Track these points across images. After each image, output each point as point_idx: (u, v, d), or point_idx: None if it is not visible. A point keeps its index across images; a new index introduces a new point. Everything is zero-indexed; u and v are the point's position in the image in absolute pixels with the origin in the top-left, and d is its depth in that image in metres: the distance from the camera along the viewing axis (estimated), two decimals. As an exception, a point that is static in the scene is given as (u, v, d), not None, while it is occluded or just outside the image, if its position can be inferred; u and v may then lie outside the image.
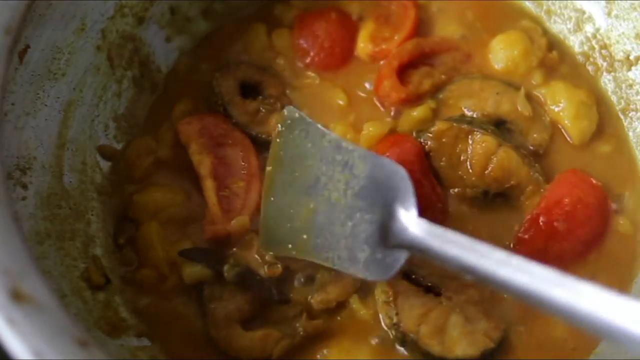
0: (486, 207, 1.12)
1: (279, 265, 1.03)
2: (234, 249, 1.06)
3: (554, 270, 0.80)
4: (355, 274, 0.96)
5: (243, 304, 1.02)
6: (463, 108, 1.18)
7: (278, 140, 1.00)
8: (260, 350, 0.99)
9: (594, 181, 1.12)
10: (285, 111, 1.02)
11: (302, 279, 1.03)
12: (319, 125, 0.98)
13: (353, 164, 0.94)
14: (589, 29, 1.24)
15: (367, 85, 1.22)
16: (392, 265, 0.92)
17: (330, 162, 0.95)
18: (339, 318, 1.03)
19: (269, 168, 1.00)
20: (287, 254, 1.00)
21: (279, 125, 1.01)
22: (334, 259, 0.95)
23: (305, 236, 0.95)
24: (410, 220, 0.90)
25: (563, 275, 0.79)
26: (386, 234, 0.90)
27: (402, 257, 0.92)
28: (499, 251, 0.83)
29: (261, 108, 1.18)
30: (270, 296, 1.02)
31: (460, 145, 1.12)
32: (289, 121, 1.00)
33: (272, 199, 0.98)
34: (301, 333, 1.00)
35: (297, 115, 0.99)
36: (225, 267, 1.02)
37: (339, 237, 0.93)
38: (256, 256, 1.04)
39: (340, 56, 1.25)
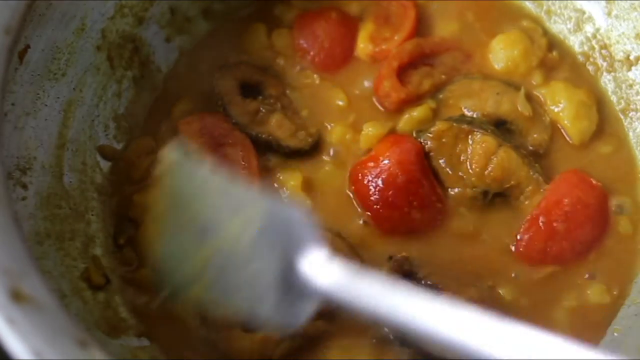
0: (486, 207, 1.12)
1: None
2: None
3: (483, 315, 0.75)
4: (261, 325, 0.90)
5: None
6: (463, 108, 1.18)
7: (165, 179, 0.90)
8: (261, 352, 0.99)
9: (593, 181, 1.12)
10: (169, 149, 0.91)
11: None
12: (207, 165, 0.89)
13: (249, 205, 0.85)
14: (589, 29, 1.24)
15: (367, 85, 1.22)
16: (299, 315, 0.84)
17: (222, 205, 0.86)
18: (339, 318, 1.03)
19: (157, 207, 0.91)
20: (186, 302, 0.93)
21: (165, 166, 0.91)
22: (237, 308, 0.87)
23: (203, 283, 0.86)
24: (314, 269, 0.82)
25: (486, 320, 0.75)
26: (291, 280, 0.82)
27: (309, 305, 0.84)
28: (421, 296, 0.76)
29: (261, 108, 1.18)
30: None
31: (460, 146, 1.12)
32: (176, 157, 0.90)
33: (166, 242, 0.89)
34: (301, 334, 1.00)
35: (184, 151, 0.90)
36: None
37: (240, 284, 0.84)
38: None
39: (340, 56, 1.25)
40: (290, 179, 1.13)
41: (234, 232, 0.85)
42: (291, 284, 0.83)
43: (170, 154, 0.91)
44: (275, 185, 1.13)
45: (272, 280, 0.83)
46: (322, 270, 0.82)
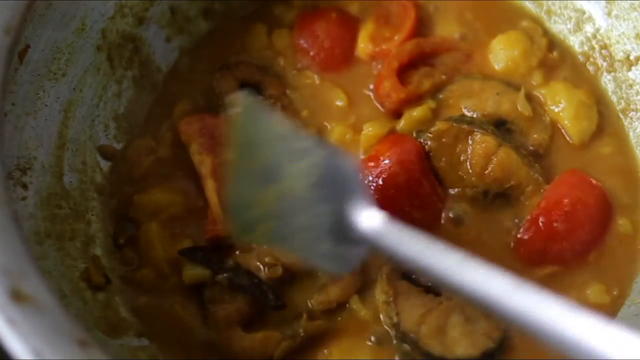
0: (486, 207, 1.12)
1: (279, 267, 1.03)
2: (237, 252, 1.06)
3: (514, 277, 0.77)
4: (318, 265, 0.94)
5: (244, 305, 1.02)
6: (463, 108, 1.18)
7: (235, 126, 0.95)
8: (261, 351, 0.99)
9: (593, 181, 1.12)
10: (240, 96, 0.97)
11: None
12: (274, 112, 0.95)
13: (309, 153, 0.90)
14: (589, 29, 1.24)
15: (367, 85, 1.22)
16: (353, 258, 0.90)
17: (287, 150, 0.92)
18: (339, 318, 1.03)
19: (228, 155, 0.95)
20: (254, 242, 0.99)
21: (235, 111, 0.95)
22: (297, 249, 0.92)
23: (268, 224, 0.92)
24: (366, 214, 0.87)
25: (524, 283, 0.76)
26: (345, 227, 0.88)
27: (361, 251, 0.90)
28: (457, 253, 0.80)
29: (261, 108, 1.18)
30: (266, 301, 1.01)
31: (460, 146, 1.12)
32: (244, 107, 0.95)
33: (235, 186, 0.94)
34: (302, 334, 1.00)
35: (252, 100, 0.96)
36: (218, 277, 1.02)
37: (300, 227, 0.90)
38: (257, 262, 1.04)
39: (341, 56, 1.25)
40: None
41: (295, 177, 0.90)
42: (344, 229, 0.87)
43: (241, 100, 0.95)
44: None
45: (328, 225, 0.88)
46: (372, 217, 0.87)
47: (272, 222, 0.91)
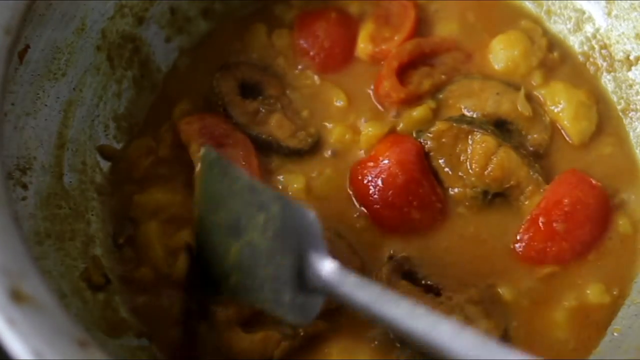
0: (486, 207, 1.12)
1: None
2: None
3: (459, 325, 0.81)
4: (282, 317, 0.94)
5: (243, 307, 1.02)
6: (463, 108, 1.18)
7: (200, 180, 0.99)
8: (261, 352, 0.99)
9: (593, 181, 1.12)
10: (203, 150, 1.00)
11: None
12: (234, 166, 0.97)
13: (268, 205, 0.92)
14: (589, 29, 1.24)
15: (367, 85, 1.22)
16: (313, 309, 0.92)
17: (248, 203, 0.93)
18: (339, 318, 1.03)
19: (195, 209, 1.00)
20: (223, 294, 0.99)
21: (199, 165, 1.00)
22: (262, 302, 0.94)
23: (234, 278, 0.94)
24: (322, 266, 0.89)
25: (466, 329, 0.80)
26: (305, 278, 0.89)
27: (320, 301, 0.91)
28: (407, 302, 0.83)
29: (261, 108, 1.18)
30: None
31: (460, 146, 1.12)
32: (207, 161, 0.99)
33: (204, 240, 0.98)
34: (301, 334, 1.00)
35: (214, 155, 0.98)
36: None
37: (263, 279, 0.92)
38: None
39: (340, 56, 1.25)
40: (294, 181, 1.13)
41: (256, 230, 0.92)
42: (304, 280, 0.89)
43: (207, 154, 0.99)
44: (279, 187, 1.13)
45: (289, 276, 0.90)
46: (327, 268, 0.88)
47: (238, 274, 0.93)
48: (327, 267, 0.88)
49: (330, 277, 0.87)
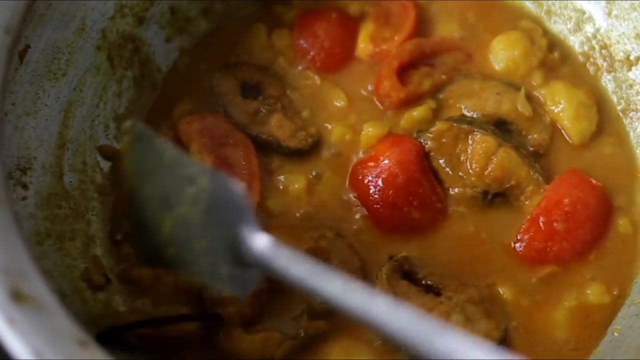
0: (486, 207, 1.12)
1: None
2: None
3: (393, 300, 0.80)
4: (223, 289, 0.95)
5: (244, 307, 1.02)
6: (463, 108, 1.18)
7: (128, 154, 0.98)
8: (262, 352, 0.99)
9: (593, 181, 1.12)
10: (129, 123, 1.00)
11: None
12: (161, 140, 0.95)
13: (196, 178, 0.90)
14: (589, 29, 1.24)
15: (367, 85, 1.22)
16: (251, 281, 0.90)
17: (177, 176, 0.92)
18: (339, 318, 1.03)
19: (125, 183, 0.99)
20: (161, 267, 0.99)
21: (126, 139, 0.99)
22: (200, 274, 0.93)
23: (170, 250, 0.93)
24: (254, 240, 0.88)
25: (402, 304, 0.80)
26: (240, 251, 0.88)
27: (257, 273, 0.90)
28: (341, 278, 0.83)
29: (261, 108, 1.18)
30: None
31: (460, 146, 1.12)
32: (135, 135, 0.97)
33: (137, 214, 0.96)
34: (302, 335, 1.00)
35: (141, 129, 0.97)
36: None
37: (199, 252, 0.91)
38: None
39: (341, 56, 1.25)
40: (295, 181, 1.13)
41: (188, 203, 0.90)
42: (239, 253, 0.87)
43: (134, 127, 0.97)
44: (280, 187, 1.13)
45: (224, 249, 0.88)
46: (260, 245, 0.87)
47: (175, 247, 0.92)
48: (259, 241, 0.87)
49: (263, 251, 0.86)
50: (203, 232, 0.90)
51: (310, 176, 1.14)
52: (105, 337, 0.95)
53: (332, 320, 1.02)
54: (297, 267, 0.85)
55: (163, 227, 0.92)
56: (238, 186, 0.88)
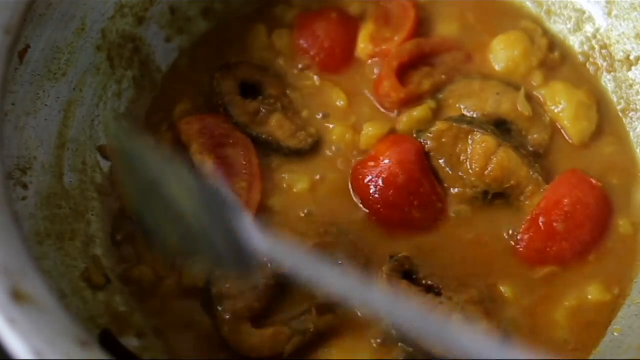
0: (486, 207, 1.12)
1: None
2: None
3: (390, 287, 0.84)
4: (226, 270, 0.98)
5: (252, 301, 1.01)
6: (463, 108, 1.18)
7: (118, 152, 0.99)
8: (272, 348, 0.98)
9: (593, 181, 1.12)
10: (111, 126, 1.02)
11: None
12: (146, 141, 0.98)
13: (186, 177, 0.92)
14: (589, 29, 1.24)
15: (367, 85, 1.22)
16: (254, 265, 0.92)
17: (169, 172, 0.93)
18: (340, 318, 1.03)
19: (122, 179, 1.00)
20: (169, 255, 1.02)
21: (112, 138, 1.02)
22: (209, 260, 0.96)
23: (175, 239, 0.94)
24: (250, 234, 0.89)
25: (396, 293, 0.83)
26: (239, 243, 0.90)
27: (257, 262, 0.92)
28: (337, 267, 0.87)
29: (261, 108, 1.18)
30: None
31: (460, 146, 1.12)
32: (120, 135, 1.00)
33: (138, 207, 0.97)
34: (312, 330, 1.00)
35: (125, 129, 1.01)
36: None
37: (202, 243, 0.93)
38: None
39: (341, 56, 1.25)
40: (298, 181, 1.13)
41: (183, 198, 0.91)
42: (238, 244, 0.89)
43: (113, 133, 1.01)
44: (283, 187, 1.13)
45: (223, 241, 0.90)
46: (256, 238, 0.88)
47: (180, 237, 0.93)
48: (255, 235, 0.88)
49: (260, 245, 0.88)
50: (200, 223, 0.91)
51: (311, 176, 1.14)
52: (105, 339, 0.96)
53: (341, 314, 1.01)
54: (291, 257, 0.86)
55: (166, 218, 0.93)
56: (219, 184, 0.91)
